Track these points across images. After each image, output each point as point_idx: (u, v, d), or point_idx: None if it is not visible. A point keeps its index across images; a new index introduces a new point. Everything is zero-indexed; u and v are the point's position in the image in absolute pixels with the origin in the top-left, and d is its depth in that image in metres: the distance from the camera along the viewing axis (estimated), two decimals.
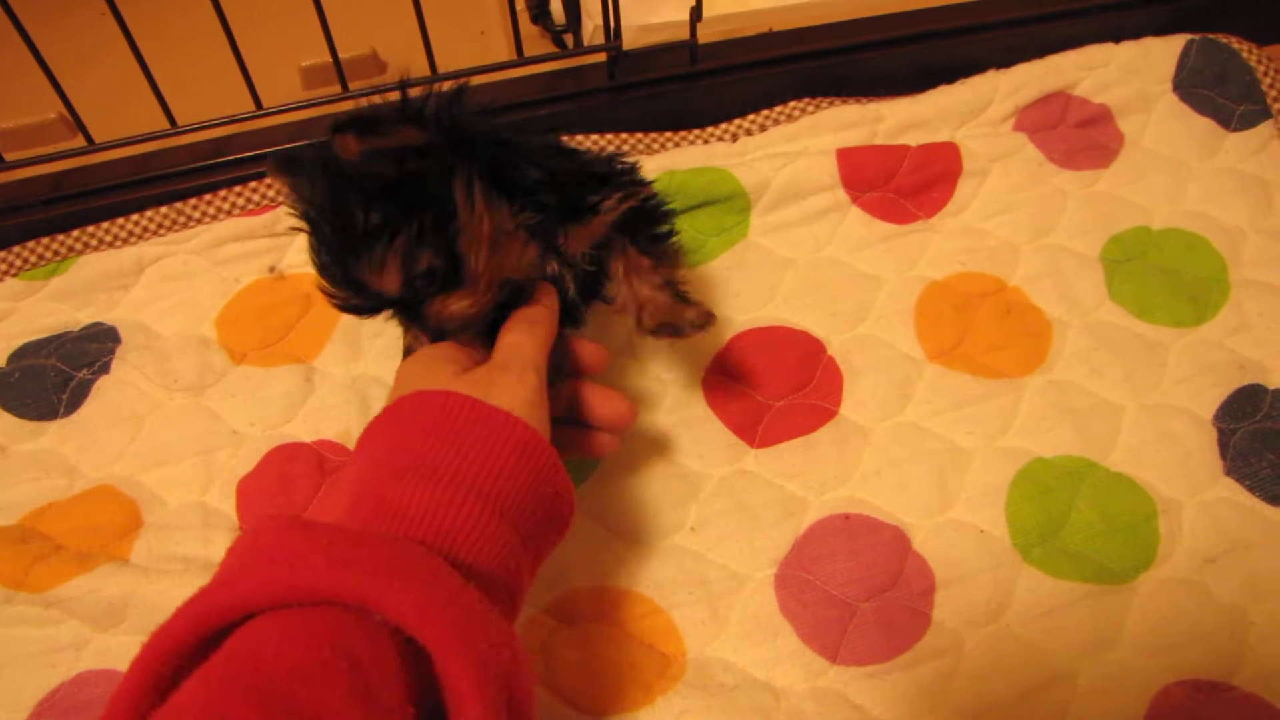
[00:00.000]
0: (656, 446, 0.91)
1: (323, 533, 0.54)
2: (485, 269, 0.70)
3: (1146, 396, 0.92)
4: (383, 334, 0.99)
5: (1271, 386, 0.93)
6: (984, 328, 0.97)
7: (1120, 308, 0.99)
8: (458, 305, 0.70)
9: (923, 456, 0.90)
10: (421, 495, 0.59)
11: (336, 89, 1.08)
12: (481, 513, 0.60)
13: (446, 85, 0.73)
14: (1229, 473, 0.88)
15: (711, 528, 0.87)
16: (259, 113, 1.05)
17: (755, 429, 0.92)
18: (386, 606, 0.50)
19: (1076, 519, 0.86)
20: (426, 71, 1.05)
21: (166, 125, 1.04)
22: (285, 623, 0.50)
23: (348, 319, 0.98)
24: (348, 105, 1.05)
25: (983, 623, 0.81)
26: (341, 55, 1.05)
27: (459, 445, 0.62)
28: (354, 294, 0.69)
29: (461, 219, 0.68)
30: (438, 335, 0.71)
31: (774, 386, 0.94)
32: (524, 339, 0.70)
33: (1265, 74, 1.11)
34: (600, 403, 0.76)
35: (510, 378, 0.67)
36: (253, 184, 1.06)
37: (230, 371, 0.98)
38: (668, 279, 0.81)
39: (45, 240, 1.04)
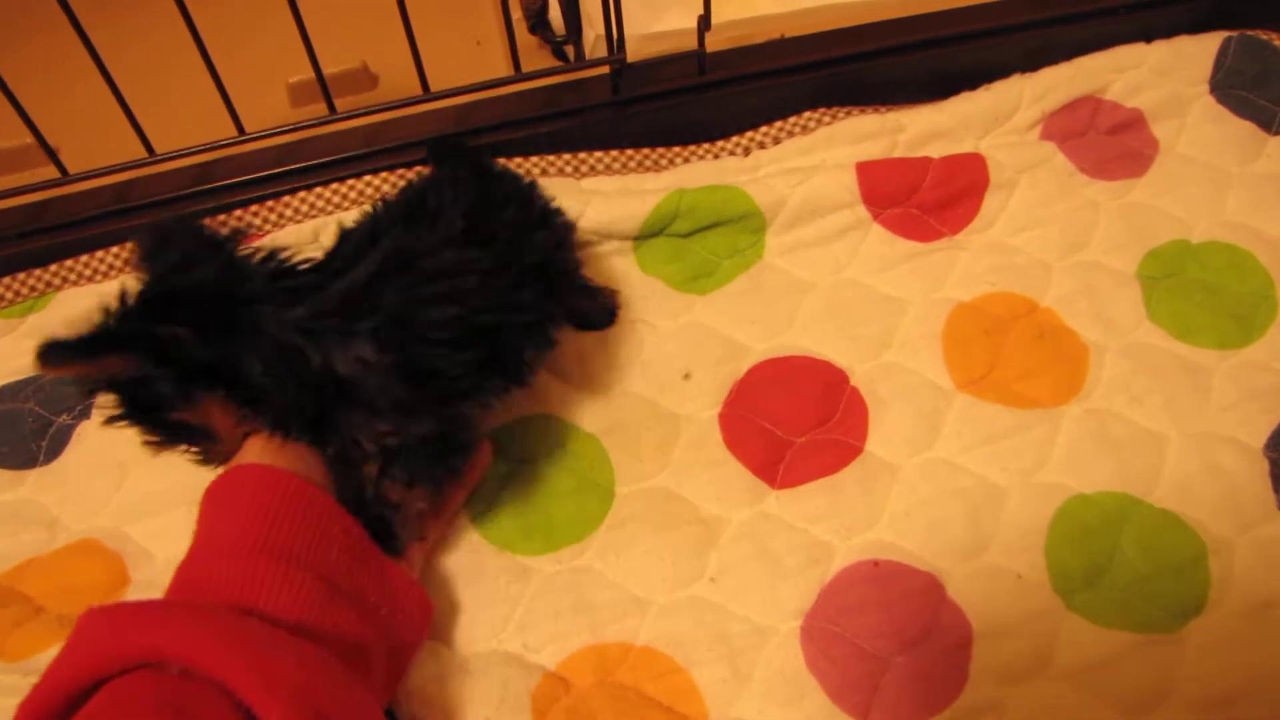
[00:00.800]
0: (671, 488, 0.86)
1: (129, 607, 0.60)
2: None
3: (1191, 425, 0.87)
4: None
5: None
6: (1016, 353, 0.91)
7: (1160, 329, 0.93)
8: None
9: (954, 495, 0.84)
10: (213, 566, 0.64)
11: (324, 105, 1.02)
12: (258, 566, 0.63)
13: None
14: None
15: (732, 577, 0.81)
16: (241, 139, 0.99)
17: (776, 468, 0.87)
18: (175, 654, 0.56)
19: (1120, 561, 0.80)
20: (418, 86, 1.00)
21: (145, 154, 0.98)
22: (116, 690, 0.55)
23: None
24: (335, 128, 1.01)
25: (1023, 678, 0.76)
26: (330, 69, 1.00)
27: (238, 509, 0.67)
28: None
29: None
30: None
31: (795, 422, 0.89)
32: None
33: None
34: None
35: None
36: (237, 212, 1.01)
37: None
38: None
39: (22, 275, 1.00)
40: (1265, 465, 0.85)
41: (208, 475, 0.88)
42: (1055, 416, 0.88)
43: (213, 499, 0.69)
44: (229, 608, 0.61)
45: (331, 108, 1.01)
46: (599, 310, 0.95)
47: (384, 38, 1.02)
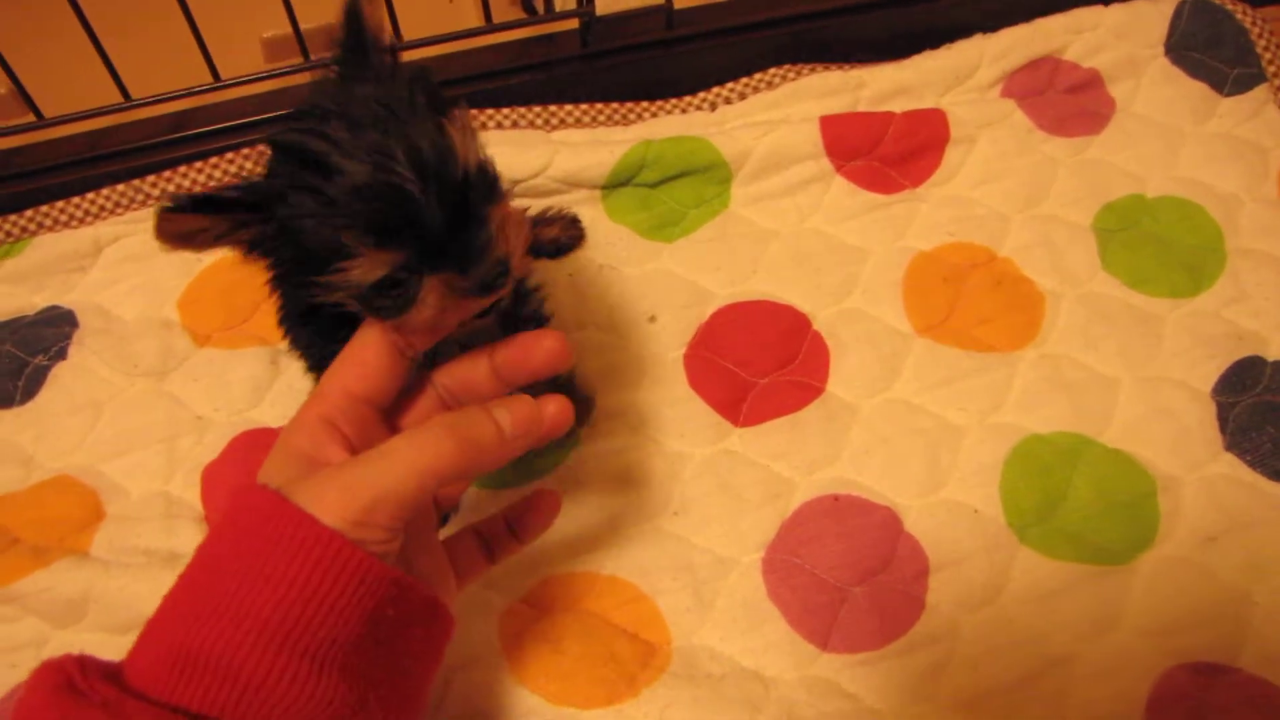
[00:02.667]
0: (637, 426, 0.88)
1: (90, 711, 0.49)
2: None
3: (1143, 370, 0.89)
4: None
5: (1271, 358, 0.90)
6: (974, 300, 0.94)
7: (1114, 278, 0.95)
8: (516, 218, 0.59)
9: (913, 434, 0.87)
10: (218, 648, 0.50)
11: (299, 60, 1.03)
12: (286, 668, 0.50)
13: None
14: (1229, 448, 0.86)
15: (695, 510, 0.84)
16: (218, 85, 1.00)
17: (739, 407, 0.89)
18: None
19: (1073, 497, 0.83)
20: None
21: (121, 99, 0.99)
22: None
23: None
24: (309, 76, 1.02)
25: (978, 606, 0.78)
26: (303, 25, 1.00)
27: (273, 580, 0.51)
28: (393, 217, 0.53)
29: None
30: (488, 285, 0.57)
31: (758, 363, 0.91)
32: (419, 447, 0.55)
33: (1260, 36, 1.08)
34: (525, 352, 0.62)
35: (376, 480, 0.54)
36: (213, 160, 1.01)
37: (193, 355, 0.94)
38: None
39: None
40: (1213, 408, 0.87)
41: (180, 414, 0.90)
42: (1012, 360, 0.90)
43: (234, 536, 0.54)
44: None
45: (306, 58, 1.02)
46: (566, 235, 0.98)
47: None
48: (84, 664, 0.51)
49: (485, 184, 0.57)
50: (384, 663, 0.55)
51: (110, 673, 0.51)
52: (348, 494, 0.52)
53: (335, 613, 0.51)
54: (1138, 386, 0.89)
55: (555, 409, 0.60)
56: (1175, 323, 0.92)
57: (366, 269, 0.54)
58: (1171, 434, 0.86)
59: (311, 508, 0.52)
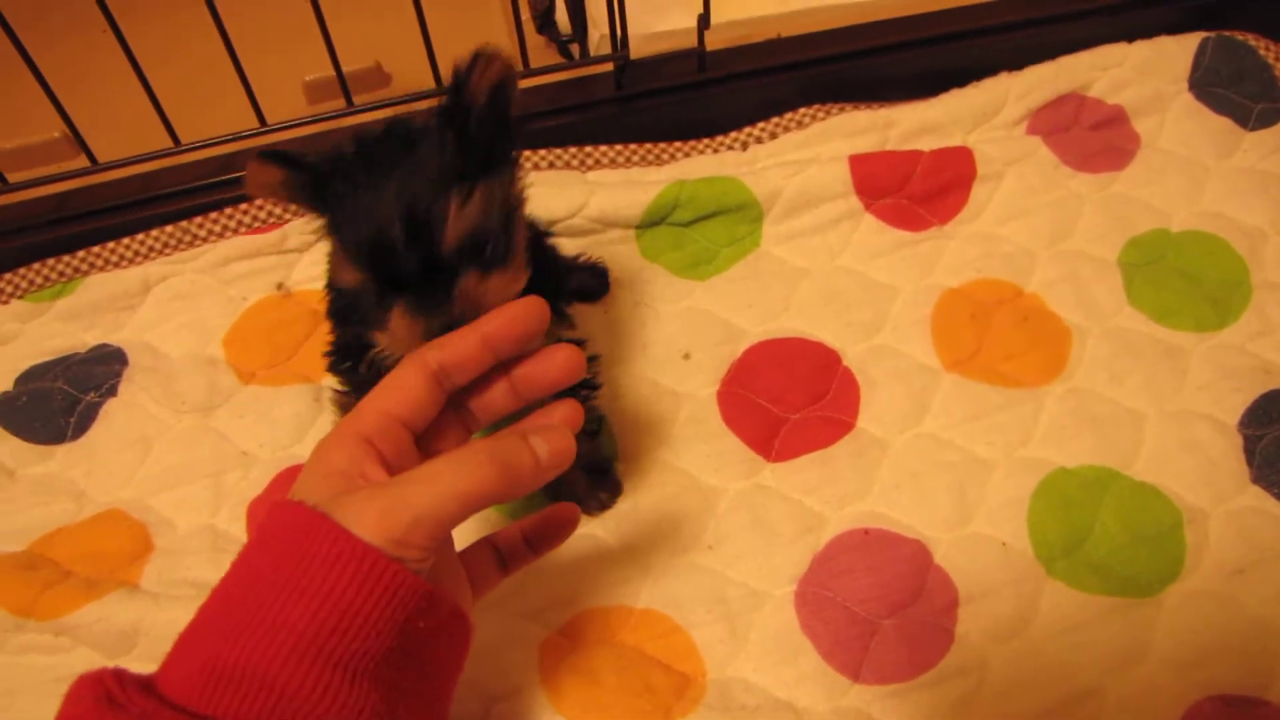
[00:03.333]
0: (671, 462, 0.90)
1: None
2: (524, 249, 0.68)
3: (1169, 403, 0.91)
4: None
5: None
6: (1001, 336, 0.96)
7: (1140, 312, 0.97)
8: (499, 282, 0.64)
9: (942, 469, 0.88)
10: (253, 659, 0.51)
11: (340, 103, 1.06)
12: (320, 678, 0.51)
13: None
14: (1256, 480, 0.87)
15: (729, 544, 0.85)
16: (263, 129, 1.04)
17: (772, 443, 0.91)
18: None
19: (1100, 531, 0.84)
20: (431, 82, 1.04)
21: (170, 144, 1.02)
22: None
23: None
24: (351, 120, 1.05)
25: (1007, 638, 0.80)
26: (345, 68, 1.03)
27: (308, 594, 0.52)
28: (378, 257, 0.62)
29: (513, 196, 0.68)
30: (448, 326, 0.62)
31: (790, 399, 0.93)
32: (460, 471, 0.56)
33: None
34: (542, 366, 0.63)
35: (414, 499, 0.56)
36: (259, 201, 1.05)
37: (239, 392, 0.97)
38: None
39: (51, 261, 1.03)
40: (1239, 441, 0.89)
41: (226, 449, 0.93)
42: (1039, 395, 0.92)
43: (272, 550, 0.55)
44: None
45: (349, 101, 1.05)
46: (594, 281, 1.01)
47: (397, 38, 1.07)
48: (121, 677, 0.52)
49: (473, 248, 0.63)
50: (412, 672, 0.56)
51: (146, 684, 0.52)
52: (389, 513, 0.54)
53: (369, 625, 0.53)
54: (1164, 420, 0.90)
55: (566, 411, 0.64)
56: (1201, 356, 0.94)
57: (350, 277, 0.64)
58: (1198, 467, 0.87)
59: (351, 525, 0.53)
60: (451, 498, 0.55)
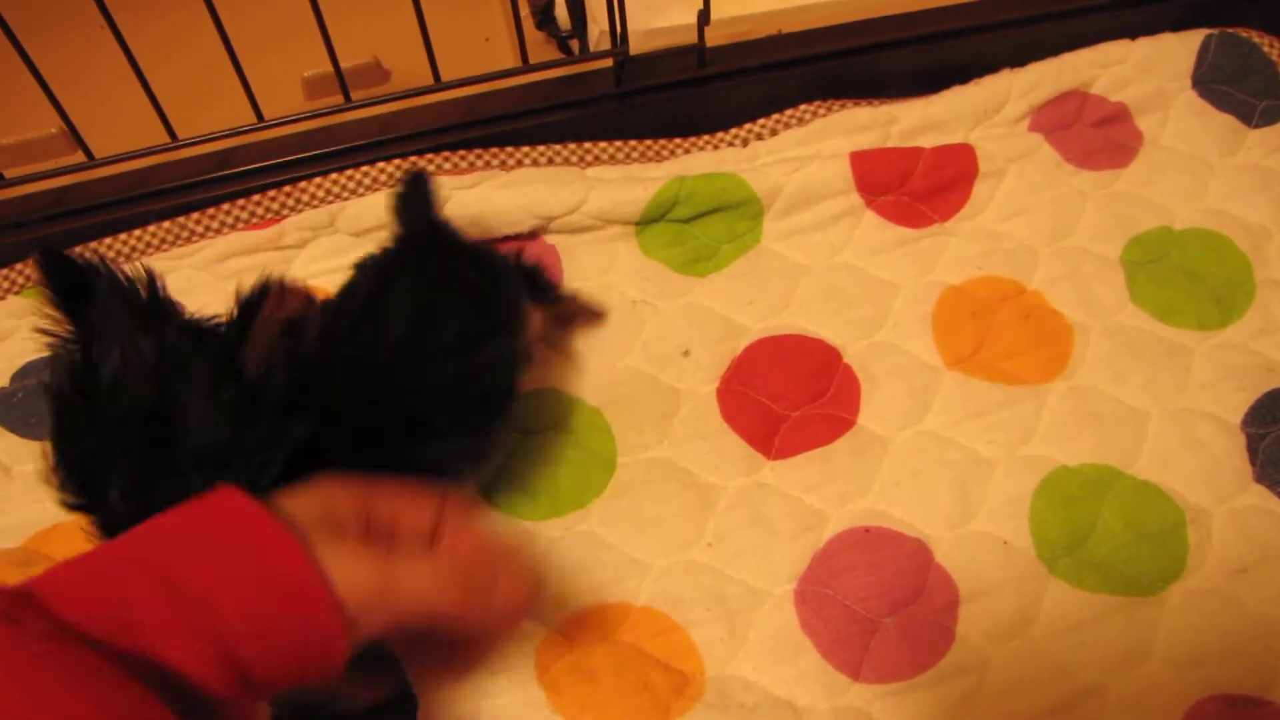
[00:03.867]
0: (671, 458, 0.90)
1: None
2: None
3: (1171, 402, 0.90)
4: None
5: None
6: (1003, 333, 0.95)
7: (1142, 311, 0.96)
8: None
9: (943, 467, 0.88)
10: (150, 610, 0.50)
11: (338, 99, 1.06)
12: (200, 657, 0.49)
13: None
14: (1259, 479, 0.86)
15: (728, 543, 0.85)
16: (261, 125, 1.03)
17: (772, 440, 0.90)
18: None
19: (1102, 529, 0.83)
20: (429, 79, 1.04)
21: (167, 139, 1.02)
22: None
23: None
24: (350, 115, 1.05)
25: (1008, 638, 0.79)
26: (344, 64, 1.03)
27: (222, 576, 0.51)
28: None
29: None
30: None
31: (790, 397, 0.92)
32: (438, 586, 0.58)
33: None
34: None
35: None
36: (256, 197, 1.04)
37: None
38: None
39: None
40: (1243, 440, 0.88)
41: None
42: (1041, 393, 0.91)
43: (215, 526, 0.54)
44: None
45: (347, 98, 1.05)
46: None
47: (395, 34, 1.06)
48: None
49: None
50: (272, 669, 0.53)
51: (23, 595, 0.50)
52: (382, 588, 0.55)
53: (261, 627, 0.51)
54: (1166, 419, 0.89)
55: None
56: (1204, 355, 0.93)
57: None
58: (1200, 466, 0.87)
59: (334, 569, 0.53)
60: (426, 604, 0.56)
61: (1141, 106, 1.10)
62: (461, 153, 1.05)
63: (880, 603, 0.80)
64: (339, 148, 1.06)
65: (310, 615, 0.52)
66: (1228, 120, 1.09)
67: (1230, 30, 1.11)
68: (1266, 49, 1.10)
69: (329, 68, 1.03)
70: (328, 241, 1.03)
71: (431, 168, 1.02)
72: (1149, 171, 1.06)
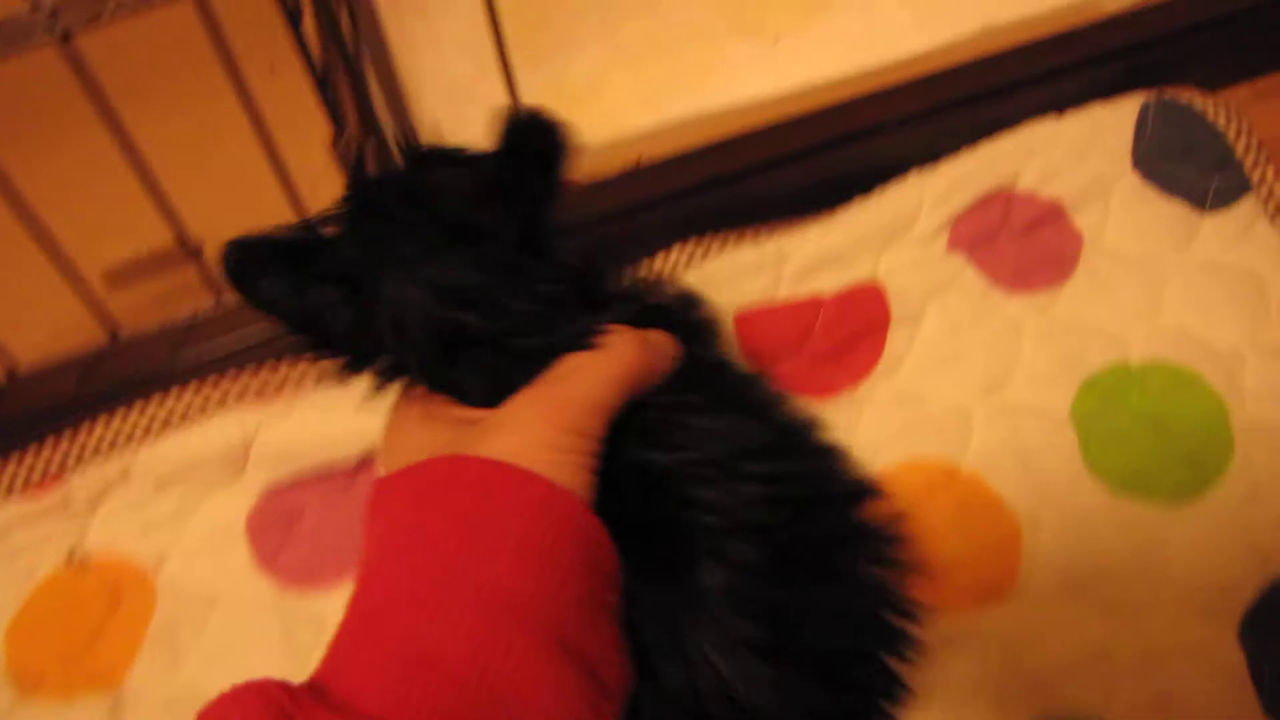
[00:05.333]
0: None
1: None
2: None
3: (1146, 619, 0.74)
4: (204, 632, 0.81)
5: None
6: (940, 538, 0.77)
7: (1102, 483, 0.80)
8: None
9: None
10: (458, 633, 0.43)
11: (147, 288, 0.89)
12: (532, 654, 0.43)
13: None
14: (1268, 711, 0.70)
15: None
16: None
17: None
18: None
19: None
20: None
21: None
22: None
23: (161, 619, 0.80)
24: None
25: None
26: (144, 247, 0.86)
27: (501, 548, 0.45)
28: None
29: None
30: None
31: None
32: (610, 357, 0.54)
33: (1238, 136, 0.91)
34: None
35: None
36: (31, 451, 0.86)
37: (15, 713, 0.79)
38: None
39: None
40: (1242, 659, 0.72)
41: None
42: (984, 636, 0.75)
43: (451, 503, 0.48)
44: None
45: None
46: None
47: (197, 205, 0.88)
48: (287, 688, 0.42)
49: None
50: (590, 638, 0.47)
51: (317, 691, 0.43)
52: (555, 408, 0.50)
53: (570, 584, 0.45)
54: (1142, 650, 0.73)
55: None
56: (1181, 540, 0.77)
57: None
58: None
59: (506, 440, 0.49)
60: (610, 380, 0.52)
61: (1078, 200, 0.92)
62: None
63: None
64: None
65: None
66: (1177, 208, 0.91)
67: (1168, 94, 0.93)
68: (1211, 115, 0.92)
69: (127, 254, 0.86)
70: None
71: None
72: (1093, 287, 0.89)
